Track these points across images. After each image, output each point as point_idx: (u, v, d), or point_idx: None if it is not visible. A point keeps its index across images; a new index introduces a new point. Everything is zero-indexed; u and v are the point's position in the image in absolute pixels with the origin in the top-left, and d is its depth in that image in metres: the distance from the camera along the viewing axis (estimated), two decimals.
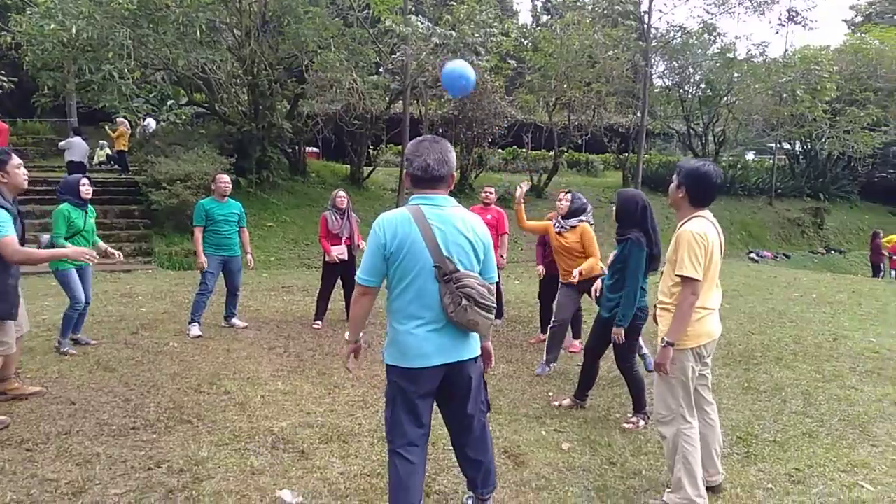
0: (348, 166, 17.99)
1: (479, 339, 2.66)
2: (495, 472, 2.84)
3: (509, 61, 19.24)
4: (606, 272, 4.33)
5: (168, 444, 3.63)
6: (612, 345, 4.20)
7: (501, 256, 6.93)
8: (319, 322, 6.99)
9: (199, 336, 6.18)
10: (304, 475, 3.33)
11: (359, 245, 7.03)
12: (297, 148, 16.77)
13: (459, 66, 3.20)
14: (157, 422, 3.96)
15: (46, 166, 17.51)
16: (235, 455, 3.53)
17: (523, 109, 21.82)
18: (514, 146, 22.61)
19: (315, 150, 20.34)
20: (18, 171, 3.84)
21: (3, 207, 3.63)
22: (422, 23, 12.63)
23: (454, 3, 14.38)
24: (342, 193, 7.09)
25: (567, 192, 5.46)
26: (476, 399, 2.64)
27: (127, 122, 16.11)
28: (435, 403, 2.66)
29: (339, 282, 7.09)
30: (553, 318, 5.48)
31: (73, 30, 10.19)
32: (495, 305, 2.55)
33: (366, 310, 2.59)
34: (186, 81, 14.58)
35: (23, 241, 3.78)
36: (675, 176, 3.11)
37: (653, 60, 19.46)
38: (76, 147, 14.48)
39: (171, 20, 11.17)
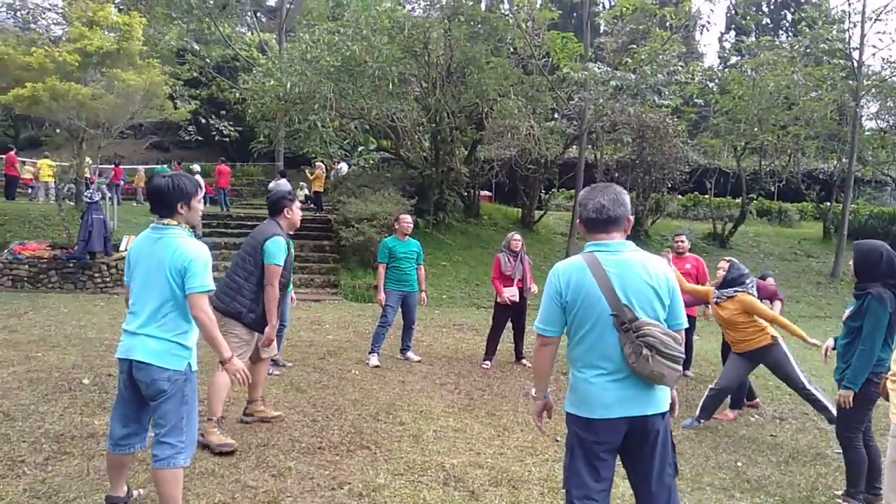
0: (520, 210, 18.23)
1: (667, 392, 2.49)
2: None
3: (694, 103, 18.41)
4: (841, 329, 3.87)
5: (349, 467, 3.84)
6: (839, 411, 3.74)
7: (706, 307, 6.07)
8: (489, 362, 7.05)
9: (377, 366, 6.53)
10: None
11: (530, 287, 7.03)
12: (471, 191, 17.39)
13: None
14: (340, 444, 4.22)
15: (257, 204, 19.99)
16: (409, 486, 3.63)
17: (707, 154, 20.64)
18: (696, 192, 21.38)
19: (488, 193, 20.93)
20: (298, 212, 4.56)
21: (281, 237, 4.32)
22: (600, 68, 12.58)
23: (635, 47, 14.18)
24: (517, 236, 7.18)
25: (728, 262, 5.18)
26: (663, 459, 2.45)
27: (323, 165, 17.94)
28: (620, 460, 2.52)
29: (509, 323, 7.12)
30: (716, 382, 5.17)
31: (288, 85, 11.67)
32: (683, 356, 2.37)
33: (548, 360, 2.52)
34: (376, 129, 15.91)
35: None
36: None
37: (864, 100, 17.42)
38: (282, 188, 16.32)
39: (367, 74, 12.33)
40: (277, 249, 4.23)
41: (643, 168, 16.86)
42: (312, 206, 18.73)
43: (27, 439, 3.90)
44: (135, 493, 3.22)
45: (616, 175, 18.61)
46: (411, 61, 13.47)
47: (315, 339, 7.90)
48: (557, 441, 4.64)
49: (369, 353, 6.73)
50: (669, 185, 17.86)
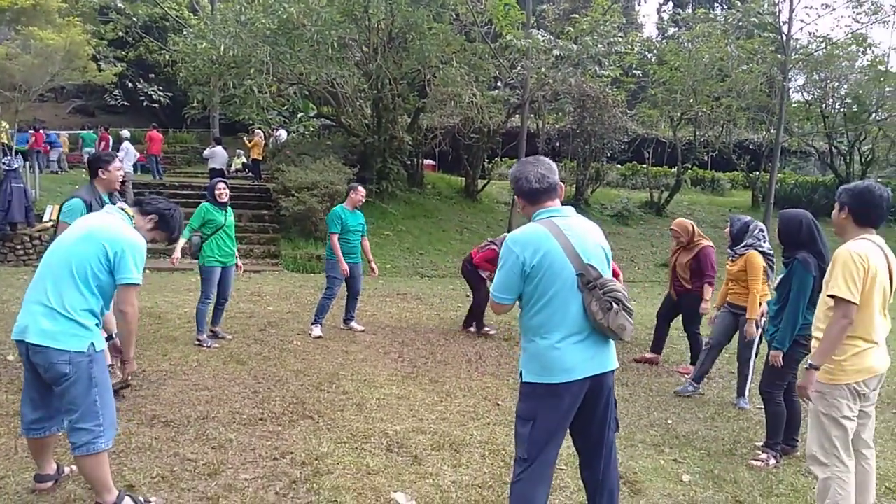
0: (463, 179, 18.25)
1: (614, 349, 2.59)
2: (618, 498, 2.71)
3: (633, 74, 18.74)
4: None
5: (292, 437, 3.82)
6: (765, 368, 3.94)
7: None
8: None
9: (320, 336, 6.49)
10: (416, 480, 3.38)
11: None
12: (415, 160, 17.26)
13: None
14: (282, 415, 4.19)
15: (191, 172, 19.30)
16: (352, 454, 3.65)
17: (645, 124, 21.14)
18: (634, 162, 21.92)
19: (432, 162, 20.83)
20: (117, 173, 4.22)
21: (81, 199, 4.00)
22: (543, 36, 12.59)
23: (577, 16, 14.25)
24: None
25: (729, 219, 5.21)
26: (609, 415, 2.55)
27: (262, 133, 17.40)
28: None
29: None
30: (710, 337, 5.26)
31: (222, 48, 11.17)
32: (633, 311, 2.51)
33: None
34: (316, 95, 15.50)
35: None
36: (836, 200, 2.92)
37: (791, 73, 18.14)
38: (218, 155, 15.78)
39: (305, 38, 11.93)
40: (68, 208, 4.01)
41: (583, 138, 17.11)
42: (251, 174, 18.22)
43: None
44: (66, 469, 3.12)
45: (557, 144, 18.86)
46: (351, 25, 13.10)
47: (255, 310, 7.76)
48: (499, 405, 4.76)
49: (312, 323, 6.67)
50: (609, 155, 18.23)
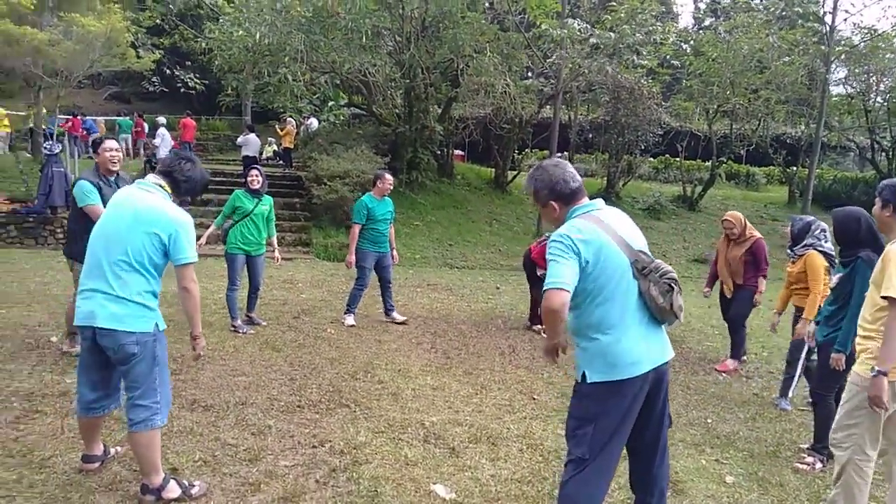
0: (493, 170, 18.14)
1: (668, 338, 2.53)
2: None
3: (669, 65, 18.38)
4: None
5: (329, 426, 3.83)
6: (819, 370, 3.82)
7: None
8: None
9: (352, 325, 6.50)
10: (455, 472, 3.36)
11: None
12: (445, 150, 17.19)
13: None
14: (320, 403, 4.21)
15: (223, 160, 19.47)
16: (390, 444, 3.65)
17: (679, 117, 20.73)
18: (667, 155, 21.55)
19: (461, 152, 20.74)
20: (107, 154, 4.54)
21: (88, 181, 4.41)
22: (579, 25, 12.39)
23: (615, 4, 13.97)
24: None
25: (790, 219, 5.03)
26: (666, 409, 2.50)
27: (293, 121, 17.49)
28: None
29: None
30: (802, 354, 4.80)
31: (257, 36, 11.21)
32: None
33: (565, 316, 2.34)
34: (347, 84, 15.48)
35: None
36: (877, 198, 2.85)
37: (833, 66, 17.60)
38: (251, 143, 15.91)
39: (339, 27, 11.91)
40: (80, 191, 4.43)
41: (617, 129, 16.87)
42: (281, 162, 18.34)
43: None
44: (112, 450, 3.17)
45: (590, 136, 18.64)
46: (385, 14, 13.03)
47: (288, 297, 7.81)
48: (534, 399, 4.72)
49: (345, 313, 6.68)
50: (642, 148, 17.93)
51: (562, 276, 2.25)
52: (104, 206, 4.22)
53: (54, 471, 3.00)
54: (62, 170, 10.62)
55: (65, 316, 4.93)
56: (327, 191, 12.35)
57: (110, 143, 4.65)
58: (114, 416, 3.35)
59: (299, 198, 14.08)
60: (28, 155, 13.67)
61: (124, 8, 14.69)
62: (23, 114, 16.38)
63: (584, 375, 2.39)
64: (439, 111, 15.95)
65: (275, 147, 19.52)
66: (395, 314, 6.95)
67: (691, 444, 4.06)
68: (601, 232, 2.35)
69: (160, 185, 2.86)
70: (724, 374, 5.79)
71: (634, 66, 14.79)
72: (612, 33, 12.68)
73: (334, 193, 12.26)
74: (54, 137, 12.38)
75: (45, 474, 2.96)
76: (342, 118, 19.99)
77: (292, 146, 17.76)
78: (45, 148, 10.74)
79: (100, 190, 4.42)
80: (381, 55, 13.39)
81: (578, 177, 2.52)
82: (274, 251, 6.37)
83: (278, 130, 18.14)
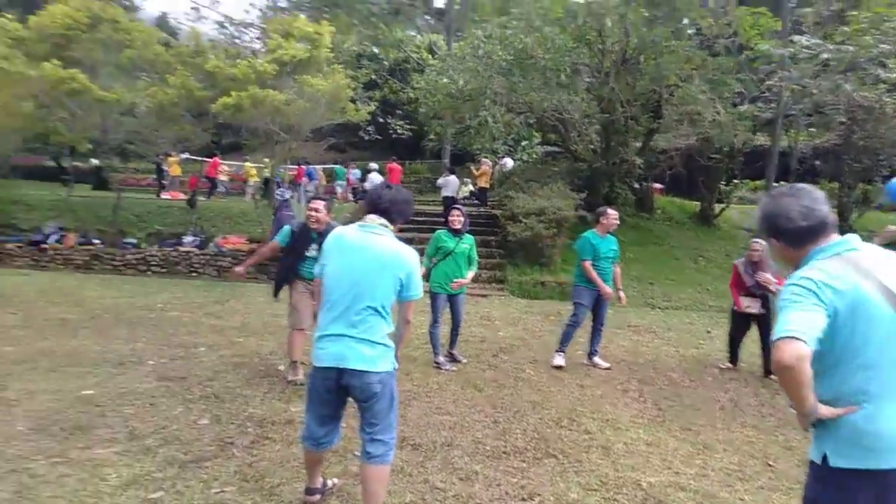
0: (697, 203, 16.87)
1: None
2: None
3: None
4: None
5: (538, 477, 3.62)
6: None
7: None
8: (731, 365, 6.79)
9: (560, 367, 6.25)
10: None
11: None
12: (643, 184, 16.41)
13: None
14: (526, 450, 4.02)
15: (424, 200, 20.59)
16: None
17: None
18: None
19: (659, 185, 19.66)
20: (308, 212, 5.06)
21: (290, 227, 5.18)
22: (808, 41, 11.10)
23: (854, 14, 12.32)
24: (757, 243, 6.44)
25: None
26: None
27: (489, 162, 17.98)
28: None
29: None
30: None
31: (460, 82, 11.76)
32: None
33: (807, 377, 1.81)
34: (542, 122, 15.55)
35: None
36: None
37: None
38: (450, 184, 16.60)
39: (538, 67, 12.05)
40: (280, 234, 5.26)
41: (852, 154, 14.71)
42: (476, 201, 18.88)
43: (234, 421, 4.19)
44: (329, 483, 3.27)
45: (814, 164, 16.54)
46: (584, 50, 12.94)
47: (487, 335, 7.81)
48: (770, 466, 4.06)
49: (556, 350, 6.44)
50: (888, 174, 15.41)
51: (797, 324, 1.78)
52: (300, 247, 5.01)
53: (282, 499, 3.17)
54: (291, 213, 11.97)
55: (287, 346, 5.39)
56: (522, 228, 12.36)
57: (314, 204, 5.12)
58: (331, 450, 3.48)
59: (494, 236, 14.30)
60: (264, 201, 15.67)
61: (346, 68, 16.42)
62: (264, 167, 18.93)
63: (824, 457, 1.89)
64: (638, 145, 15.31)
65: (470, 187, 20.19)
66: (597, 359, 6.58)
67: None
68: (860, 278, 1.85)
69: (384, 225, 2.93)
70: None
71: (875, 82, 12.81)
72: (849, 46, 11.13)
73: (529, 231, 12.23)
74: (284, 185, 14.04)
75: (274, 502, 3.14)
76: (535, 156, 20.12)
77: (488, 185, 18.21)
78: (278, 194, 12.20)
79: (292, 234, 5.15)
80: (578, 91, 13.25)
81: (823, 211, 1.97)
82: (464, 279, 6.11)
83: (473, 171, 18.76)
